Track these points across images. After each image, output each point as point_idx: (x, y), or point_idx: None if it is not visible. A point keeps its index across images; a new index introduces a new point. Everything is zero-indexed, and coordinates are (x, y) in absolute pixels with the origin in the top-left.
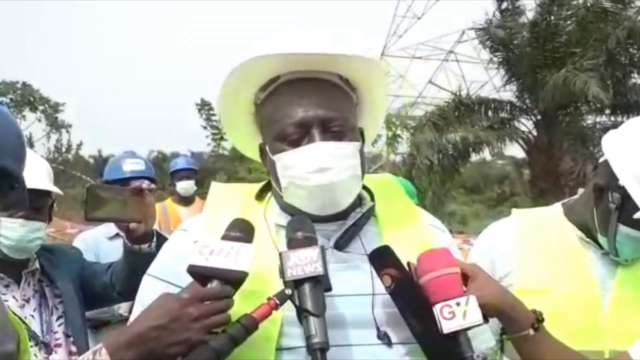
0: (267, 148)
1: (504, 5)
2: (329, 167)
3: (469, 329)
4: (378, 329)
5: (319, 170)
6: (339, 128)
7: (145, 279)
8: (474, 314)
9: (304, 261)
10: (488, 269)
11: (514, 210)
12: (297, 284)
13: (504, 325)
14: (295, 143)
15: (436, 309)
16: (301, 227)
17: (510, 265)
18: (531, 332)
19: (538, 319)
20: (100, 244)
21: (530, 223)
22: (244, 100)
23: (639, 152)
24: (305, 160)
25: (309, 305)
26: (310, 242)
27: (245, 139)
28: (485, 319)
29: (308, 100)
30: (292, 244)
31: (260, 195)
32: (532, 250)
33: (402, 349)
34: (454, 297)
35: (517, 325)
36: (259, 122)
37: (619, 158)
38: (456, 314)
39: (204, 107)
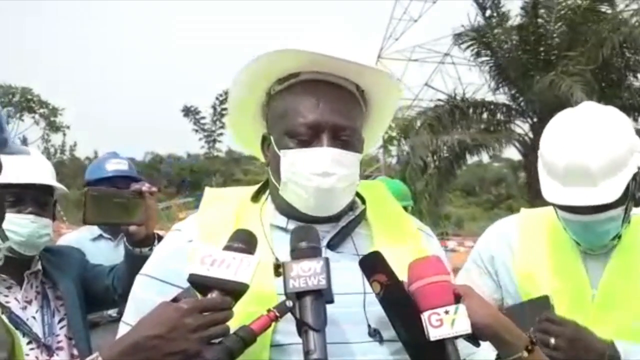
0: (272, 139)
1: (488, 12)
2: (332, 172)
3: (456, 338)
4: (369, 326)
5: (323, 174)
6: (348, 138)
7: (139, 279)
8: (463, 323)
9: (307, 273)
10: (487, 264)
11: (522, 209)
12: (299, 296)
13: (498, 349)
14: (304, 143)
15: (424, 316)
16: (306, 237)
17: (509, 262)
18: (525, 354)
19: (532, 341)
20: (83, 245)
21: (531, 223)
22: (258, 89)
23: (546, 132)
24: (312, 162)
25: (309, 319)
26: (314, 252)
27: (246, 129)
28: (477, 343)
29: (325, 105)
30: (296, 254)
31: (255, 197)
32: (530, 248)
33: (393, 346)
34: (442, 305)
35: (512, 348)
36: (268, 113)
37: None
38: (444, 322)
39: (190, 112)
